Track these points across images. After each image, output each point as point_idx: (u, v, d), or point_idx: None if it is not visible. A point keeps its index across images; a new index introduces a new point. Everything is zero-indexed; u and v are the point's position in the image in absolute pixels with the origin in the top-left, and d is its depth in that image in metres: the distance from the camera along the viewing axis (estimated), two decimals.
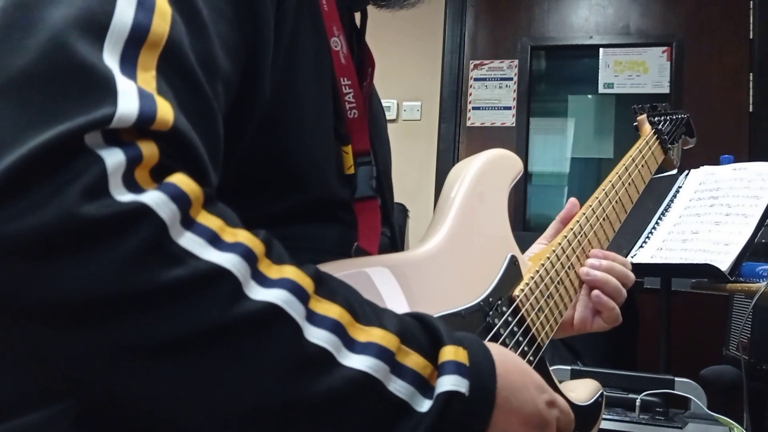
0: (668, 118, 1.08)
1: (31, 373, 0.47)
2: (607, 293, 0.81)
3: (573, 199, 0.87)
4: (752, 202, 1.53)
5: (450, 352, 0.48)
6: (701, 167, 1.76)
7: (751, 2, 2.86)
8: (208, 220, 0.42)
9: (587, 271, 0.81)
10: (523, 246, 0.80)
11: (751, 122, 2.82)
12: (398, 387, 0.45)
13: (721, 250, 1.47)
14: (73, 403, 0.45)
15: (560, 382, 0.75)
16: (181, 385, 0.40)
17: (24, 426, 0.46)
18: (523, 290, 0.71)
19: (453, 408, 0.46)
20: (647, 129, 1.03)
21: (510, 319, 0.69)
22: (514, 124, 3.08)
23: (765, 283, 1.39)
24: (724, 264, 1.43)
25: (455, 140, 3.11)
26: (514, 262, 0.72)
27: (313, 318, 0.44)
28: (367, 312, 0.47)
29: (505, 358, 0.52)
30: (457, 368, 0.47)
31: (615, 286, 0.81)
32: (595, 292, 0.80)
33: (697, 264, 1.49)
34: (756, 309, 1.83)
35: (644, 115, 1.05)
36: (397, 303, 0.57)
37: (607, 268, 0.82)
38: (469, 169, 0.73)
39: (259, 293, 0.42)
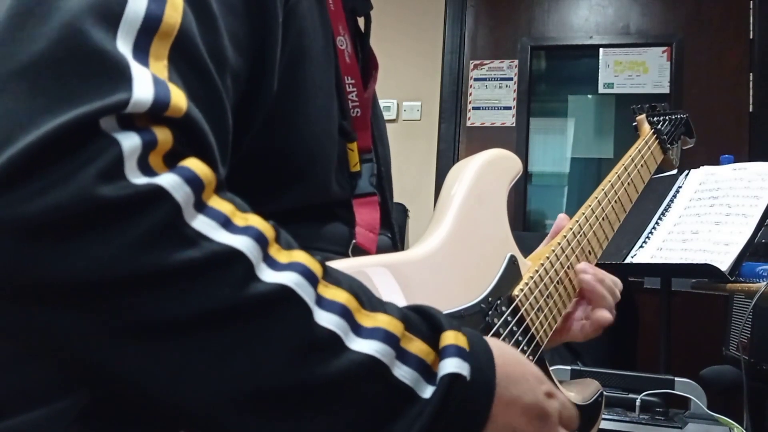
0: (667, 118, 1.08)
1: (34, 369, 0.47)
2: (595, 299, 0.79)
3: (562, 215, 0.86)
4: (752, 202, 1.53)
5: (450, 337, 0.48)
6: (701, 167, 1.76)
7: (751, 2, 2.86)
8: (220, 204, 0.43)
9: (583, 267, 0.80)
10: (523, 246, 0.80)
11: (751, 122, 2.82)
12: (403, 373, 0.46)
13: (721, 250, 1.47)
14: (75, 400, 0.46)
15: (560, 382, 0.75)
16: (192, 365, 0.40)
17: (26, 423, 0.46)
18: (522, 290, 0.71)
19: (455, 392, 0.46)
20: (646, 129, 1.03)
21: (509, 318, 0.69)
22: (514, 124, 3.08)
23: (765, 283, 1.39)
24: (724, 264, 1.43)
25: (455, 140, 3.11)
26: (513, 262, 0.72)
27: (322, 302, 0.44)
28: (372, 298, 0.48)
29: (502, 350, 0.52)
30: (458, 351, 0.47)
31: (601, 293, 0.79)
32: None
33: (697, 264, 1.49)
34: (756, 309, 1.83)
35: (643, 115, 1.05)
36: (397, 302, 0.57)
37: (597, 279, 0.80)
38: (468, 169, 0.73)
39: (270, 275, 0.43)
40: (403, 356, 0.46)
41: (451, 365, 0.47)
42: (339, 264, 0.56)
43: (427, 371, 0.47)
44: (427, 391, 0.46)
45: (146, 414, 0.44)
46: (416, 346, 0.47)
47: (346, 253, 0.64)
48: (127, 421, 0.44)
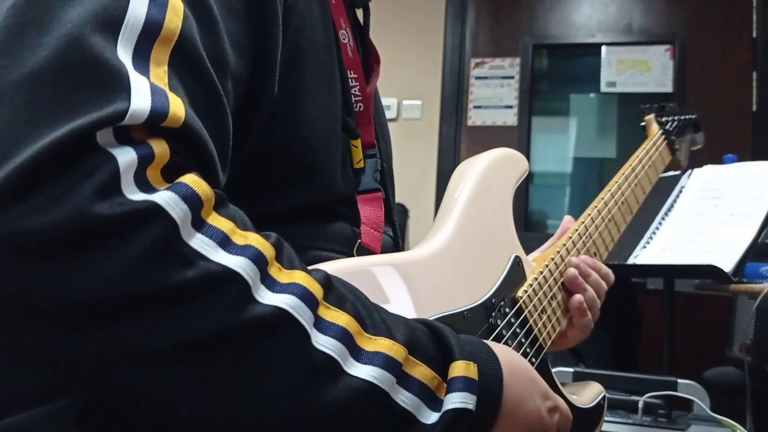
0: (676, 118, 1.07)
1: (35, 368, 0.47)
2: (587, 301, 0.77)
3: (568, 217, 0.85)
4: (756, 202, 1.52)
5: (460, 368, 0.48)
6: (705, 166, 1.75)
7: (754, 0, 2.85)
8: (218, 222, 0.43)
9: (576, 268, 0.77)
10: (524, 246, 0.79)
11: (755, 121, 2.81)
12: (404, 398, 0.45)
13: (724, 251, 1.46)
14: (76, 399, 0.45)
15: (563, 384, 0.74)
16: (184, 388, 0.40)
17: (27, 421, 0.46)
18: (526, 291, 0.71)
19: (459, 423, 0.46)
20: (655, 129, 1.02)
21: (513, 320, 0.68)
22: (515, 123, 3.07)
23: None
24: (727, 265, 1.42)
25: (456, 139, 3.10)
26: (517, 263, 0.72)
27: (321, 325, 0.44)
28: (376, 320, 0.47)
29: (514, 367, 0.52)
30: (466, 384, 0.47)
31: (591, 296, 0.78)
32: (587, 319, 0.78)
33: (700, 265, 1.48)
34: (759, 310, 1.81)
35: (652, 115, 1.05)
36: (401, 302, 0.57)
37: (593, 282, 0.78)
38: (473, 169, 0.72)
39: (268, 297, 0.42)
40: (405, 381, 0.46)
41: (458, 399, 0.47)
42: (344, 264, 0.56)
43: (429, 396, 0.47)
44: (429, 417, 0.46)
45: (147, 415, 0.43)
46: (420, 371, 0.47)
47: (350, 253, 0.64)
48: (130, 419, 0.44)
